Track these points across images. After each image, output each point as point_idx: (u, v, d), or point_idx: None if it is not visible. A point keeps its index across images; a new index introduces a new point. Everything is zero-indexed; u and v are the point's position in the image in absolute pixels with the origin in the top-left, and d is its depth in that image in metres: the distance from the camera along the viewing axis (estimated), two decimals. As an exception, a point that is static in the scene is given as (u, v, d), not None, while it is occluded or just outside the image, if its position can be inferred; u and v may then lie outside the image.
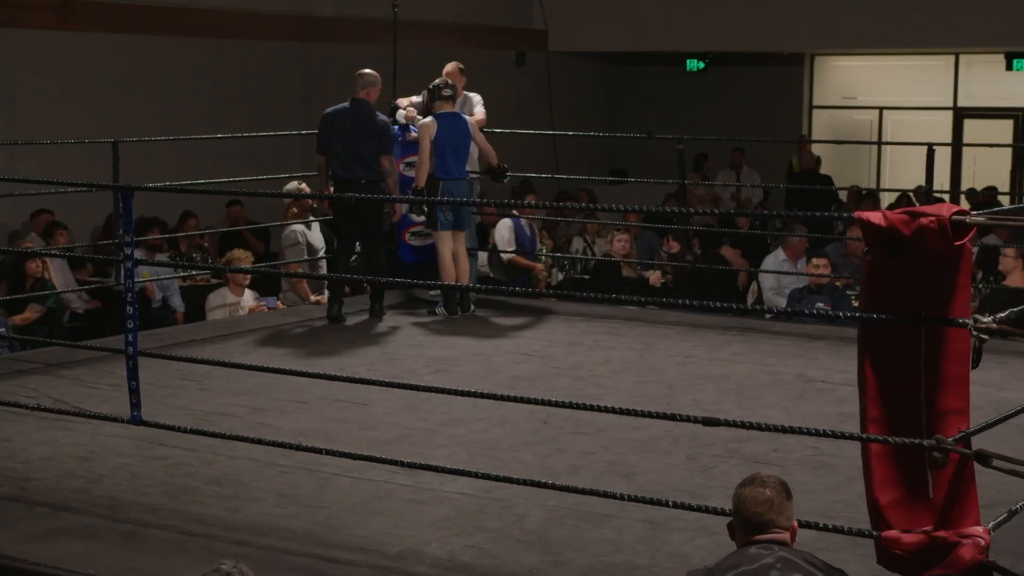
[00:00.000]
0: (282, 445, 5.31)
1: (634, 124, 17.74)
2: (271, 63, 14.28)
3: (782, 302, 10.00)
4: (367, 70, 8.91)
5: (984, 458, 3.80)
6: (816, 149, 16.67)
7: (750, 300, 10.91)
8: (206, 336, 8.43)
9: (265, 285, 10.26)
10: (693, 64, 17.95)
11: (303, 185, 9.81)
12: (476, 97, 9.62)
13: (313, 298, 9.57)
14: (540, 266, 10.91)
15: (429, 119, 8.85)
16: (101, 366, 7.33)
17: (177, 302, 10.64)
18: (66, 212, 11.15)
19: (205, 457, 5.77)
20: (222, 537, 4.88)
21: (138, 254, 8.81)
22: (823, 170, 16.25)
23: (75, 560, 4.64)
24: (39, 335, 8.97)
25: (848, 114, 18.13)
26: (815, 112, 18.26)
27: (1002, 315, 3.81)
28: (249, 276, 9.52)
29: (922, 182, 9.54)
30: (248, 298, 9.41)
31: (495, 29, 16.99)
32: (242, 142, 11.92)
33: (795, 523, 3.47)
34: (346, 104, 8.82)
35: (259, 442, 5.39)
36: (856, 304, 9.67)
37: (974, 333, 3.74)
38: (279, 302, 9.74)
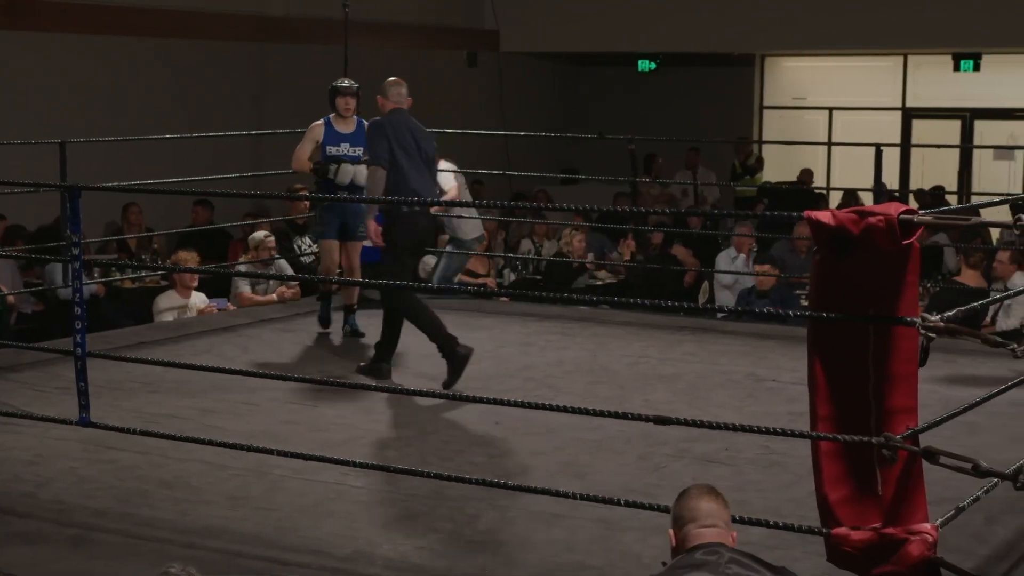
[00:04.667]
0: (233, 447, 5.27)
1: (586, 124, 17.76)
2: (223, 63, 14.20)
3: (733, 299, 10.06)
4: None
5: (932, 455, 3.83)
6: (766, 149, 16.78)
7: (701, 299, 10.97)
8: (156, 338, 8.37)
9: (216, 286, 10.19)
10: (645, 65, 17.98)
11: (270, 238, 9.88)
12: (447, 165, 8.76)
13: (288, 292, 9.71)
14: (491, 282, 10.89)
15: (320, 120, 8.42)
16: (49, 368, 7.26)
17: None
18: (16, 213, 11.03)
19: (155, 460, 5.72)
20: (172, 540, 4.84)
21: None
22: (767, 170, 16.40)
23: (22, 565, 4.59)
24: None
25: (798, 114, 18.24)
26: (766, 112, 18.36)
27: (949, 313, 3.85)
28: (196, 277, 9.45)
29: (871, 182, 9.62)
30: (196, 300, 9.34)
31: (447, 29, 16.97)
32: (195, 142, 11.83)
33: (734, 533, 3.47)
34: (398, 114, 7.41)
35: (209, 444, 5.35)
36: (805, 304, 9.75)
37: (922, 332, 3.77)
38: (229, 303, 9.68)
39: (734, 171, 16.26)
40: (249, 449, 5.24)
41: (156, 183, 9.21)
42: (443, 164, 8.48)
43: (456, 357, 7.06)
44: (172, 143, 11.15)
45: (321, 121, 8.33)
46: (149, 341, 8.26)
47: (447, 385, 6.95)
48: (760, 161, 16.35)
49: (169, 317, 9.24)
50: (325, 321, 8.64)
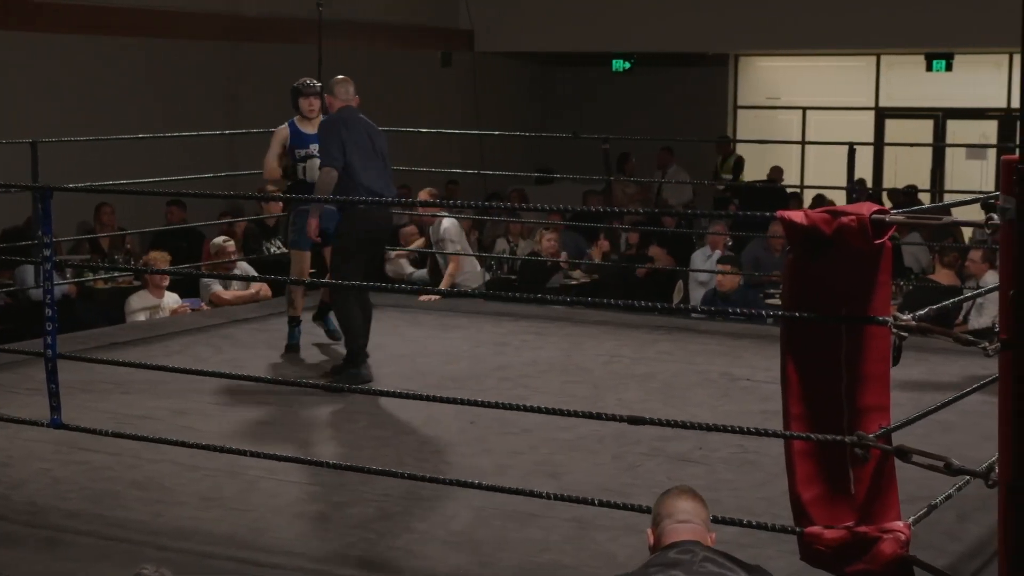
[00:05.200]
0: (206, 448, 5.25)
1: (561, 124, 17.77)
2: (196, 62, 14.15)
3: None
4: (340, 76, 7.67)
5: (904, 454, 3.84)
6: (740, 149, 16.82)
7: (676, 299, 10.99)
8: (128, 339, 8.33)
9: (189, 286, 10.15)
10: (619, 64, 18.01)
11: (229, 243, 9.82)
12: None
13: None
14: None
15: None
16: (21, 369, 7.21)
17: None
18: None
19: (127, 461, 5.70)
20: (144, 542, 4.82)
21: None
22: (748, 169, 16.46)
23: (-6, 567, 4.57)
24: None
25: (772, 114, 18.29)
26: (740, 112, 18.41)
27: (921, 312, 3.86)
28: (168, 277, 9.41)
29: (844, 181, 9.65)
30: (169, 300, 9.30)
31: (421, 29, 16.95)
32: (168, 141, 11.78)
33: (713, 535, 3.48)
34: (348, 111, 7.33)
35: (182, 445, 5.33)
36: (771, 303, 9.80)
37: (894, 331, 3.79)
38: (203, 304, 9.65)
39: (717, 171, 16.34)
40: (222, 450, 5.22)
41: (129, 183, 9.15)
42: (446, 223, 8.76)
43: (353, 370, 7.09)
44: (145, 143, 11.10)
45: (285, 125, 8.06)
46: (121, 342, 8.22)
47: (327, 375, 7.25)
48: (741, 160, 16.42)
49: (142, 317, 9.20)
50: (295, 348, 8.07)
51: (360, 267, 7.22)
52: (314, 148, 7.83)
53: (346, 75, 7.56)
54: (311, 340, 8.44)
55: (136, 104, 13.30)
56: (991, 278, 9.08)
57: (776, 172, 16.55)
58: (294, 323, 8.12)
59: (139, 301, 9.32)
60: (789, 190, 15.18)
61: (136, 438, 5.48)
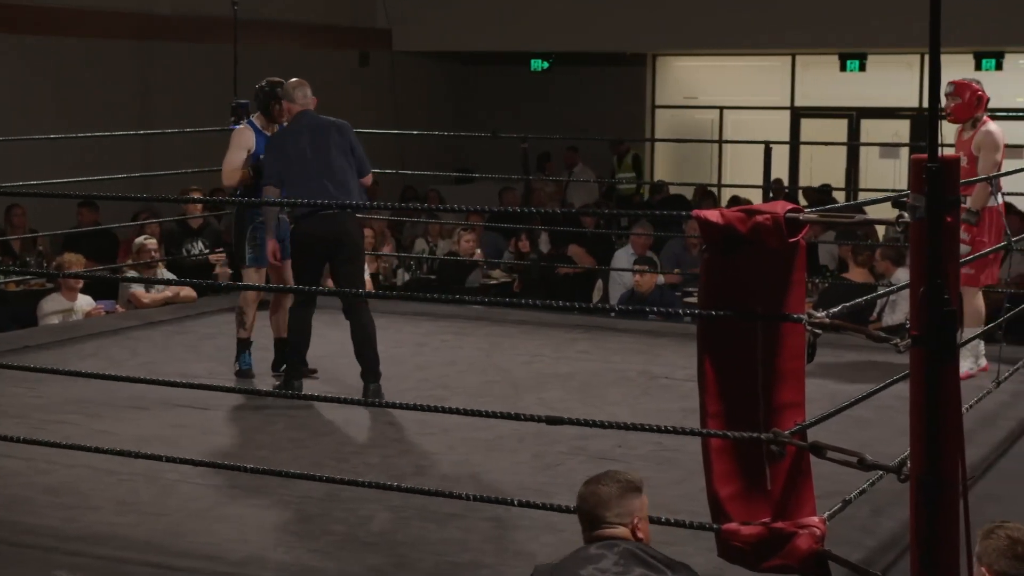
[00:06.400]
0: (121, 453, 5.18)
1: (480, 124, 17.76)
2: (108, 62, 13.96)
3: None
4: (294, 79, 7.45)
5: (819, 450, 3.88)
6: (658, 148, 16.94)
7: (595, 298, 11.02)
8: (41, 342, 8.20)
9: (104, 288, 10.01)
10: (538, 64, 18.05)
11: (151, 240, 9.69)
12: None
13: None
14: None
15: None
16: (-70, 375, 7.07)
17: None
18: None
19: (40, 466, 5.60)
20: (58, 548, 4.75)
21: None
22: (666, 168, 16.62)
23: (-99, 577, 4.48)
24: None
25: (689, 113, 18.43)
26: (658, 112, 18.52)
27: (835, 310, 3.90)
28: (82, 280, 9.26)
29: (761, 180, 9.76)
30: (83, 302, 9.16)
31: (338, 28, 16.87)
32: (80, 142, 11.62)
33: (640, 520, 3.45)
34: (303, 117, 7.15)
35: (96, 451, 5.26)
36: (688, 301, 9.88)
37: (808, 328, 3.83)
38: (118, 306, 9.52)
39: (614, 171, 16.52)
40: (138, 455, 5.15)
41: (39, 184, 9.01)
42: None
43: (292, 379, 7.01)
44: (57, 143, 10.92)
45: (245, 127, 7.54)
46: (34, 345, 8.09)
47: (277, 374, 7.29)
48: (639, 158, 16.63)
49: (55, 320, 9.05)
50: (247, 374, 7.51)
51: (305, 274, 6.99)
52: None
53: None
54: (227, 343, 8.36)
55: (45, 104, 13.10)
56: (901, 275, 9.22)
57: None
58: (244, 346, 7.53)
59: (52, 304, 9.16)
60: (707, 189, 15.30)
61: (49, 444, 5.38)
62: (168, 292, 9.71)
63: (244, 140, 7.47)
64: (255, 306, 7.58)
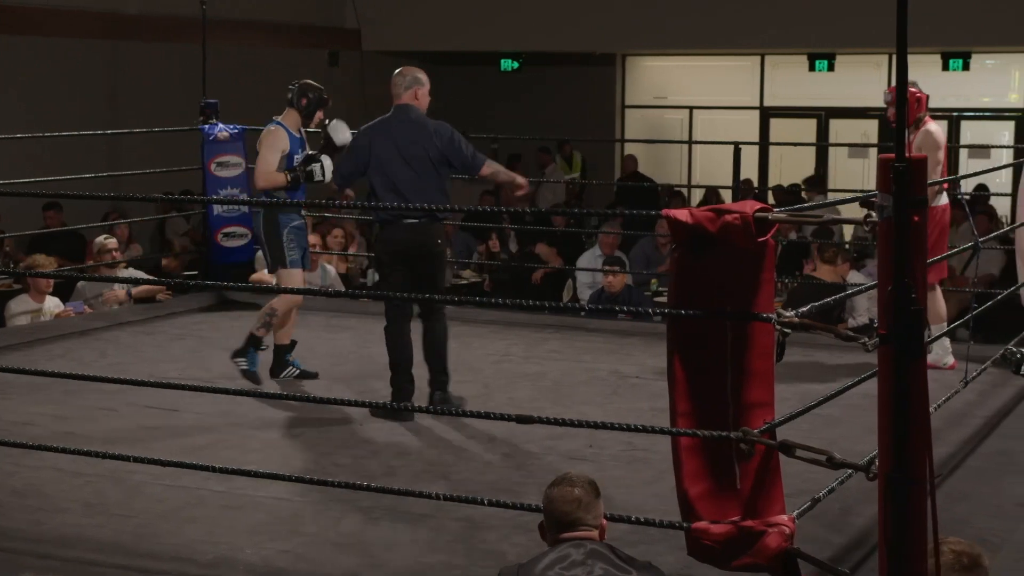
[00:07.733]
0: (88, 454, 5.15)
1: (450, 124, 17.74)
2: (75, 61, 13.88)
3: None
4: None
5: (788, 448, 3.89)
6: (628, 148, 16.97)
7: (566, 298, 11.03)
8: (8, 343, 8.15)
9: (72, 289, 9.95)
10: (507, 64, 18.07)
11: (111, 240, 9.62)
12: None
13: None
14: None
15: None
16: None
17: None
18: None
19: (6, 468, 5.56)
20: (24, 551, 4.71)
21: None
22: (641, 169, 16.66)
23: None
24: None
25: (659, 113, 18.48)
26: (627, 112, 18.56)
27: (803, 309, 3.92)
28: (52, 282, 9.20)
29: (730, 180, 9.77)
30: (51, 304, 9.10)
31: (307, 28, 16.83)
32: (46, 142, 11.55)
33: (604, 521, 3.50)
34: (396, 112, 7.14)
35: (63, 451, 5.23)
36: (658, 300, 9.90)
37: (777, 327, 3.84)
38: (86, 307, 9.46)
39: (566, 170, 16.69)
40: (105, 456, 5.11)
41: (5, 184, 8.94)
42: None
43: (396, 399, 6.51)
44: (22, 143, 10.84)
45: (277, 127, 7.27)
46: (1, 346, 8.03)
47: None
48: (583, 159, 16.77)
49: (23, 321, 8.99)
50: (254, 377, 7.15)
51: (398, 284, 6.65)
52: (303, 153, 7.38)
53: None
54: (193, 343, 8.33)
55: (10, 103, 13.02)
56: (856, 278, 9.26)
57: (630, 162, 16.73)
58: (256, 343, 7.15)
59: (19, 305, 9.09)
60: (676, 188, 15.35)
61: (15, 445, 5.34)
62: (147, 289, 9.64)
63: (278, 142, 7.22)
64: (293, 310, 7.36)
